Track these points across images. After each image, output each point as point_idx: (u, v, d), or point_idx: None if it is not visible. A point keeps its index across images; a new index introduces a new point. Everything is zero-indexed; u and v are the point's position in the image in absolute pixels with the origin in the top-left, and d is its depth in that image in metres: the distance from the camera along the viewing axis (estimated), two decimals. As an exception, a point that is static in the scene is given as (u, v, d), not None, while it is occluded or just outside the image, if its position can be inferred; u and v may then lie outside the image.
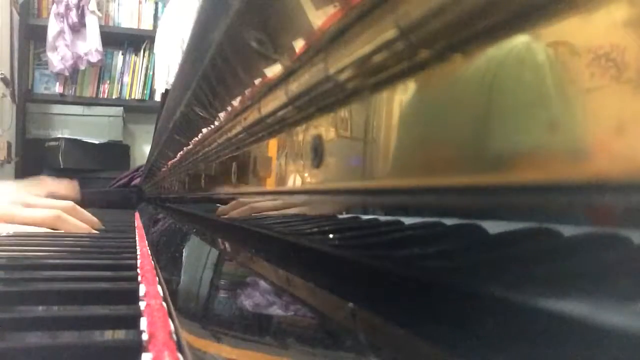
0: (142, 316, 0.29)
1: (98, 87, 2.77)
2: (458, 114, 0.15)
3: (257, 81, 0.30)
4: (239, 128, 0.38)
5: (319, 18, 0.20)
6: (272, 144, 0.32)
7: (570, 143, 0.11)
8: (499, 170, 0.13)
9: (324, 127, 0.23)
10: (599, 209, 0.10)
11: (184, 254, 0.55)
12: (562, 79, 0.11)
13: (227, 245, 0.44)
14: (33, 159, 2.58)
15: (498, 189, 0.13)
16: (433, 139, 0.16)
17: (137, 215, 1.38)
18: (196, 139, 0.57)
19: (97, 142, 2.64)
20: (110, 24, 2.76)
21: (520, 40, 0.12)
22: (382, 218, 0.20)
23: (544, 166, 0.11)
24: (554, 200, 0.12)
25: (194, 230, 0.63)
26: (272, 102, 0.29)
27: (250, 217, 0.40)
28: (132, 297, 0.35)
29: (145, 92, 2.79)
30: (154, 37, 2.56)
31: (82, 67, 2.65)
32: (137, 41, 2.78)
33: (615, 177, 0.10)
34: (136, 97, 2.78)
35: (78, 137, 2.62)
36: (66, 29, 2.57)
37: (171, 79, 2.00)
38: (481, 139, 0.13)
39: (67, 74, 2.64)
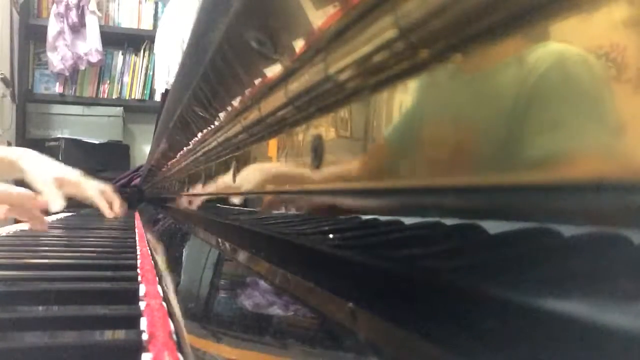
0: (142, 316, 0.29)
1: (98, 87, 2.77)
2: (457, 113, 0.15)
3: (257, 81, 0.30)
4: (239, 128, 0.38)
5: (319, 18, 0.20)
6: (272, 144, 0.32)
7: (570, 143, 0.11)
8: (499, 170, 0.13)
9: (324, 127, 0.23)
10: (600, 208, 0.10)
11: (184, 254, 0.55)
12: (568, 77, 0.11)
13: (227, 245, 0.44)
14: (33, 159, 2.58)
15: (498, 189, 0.13)
16: (433, 138, 0.16)
17: (137, 215, 1.38)
18: (196, 139, 0.57)
19: (97, 142, 2.64)
20: (110, 24, 2.76)
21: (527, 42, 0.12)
22: (382, 218, 0.20)
23: (544, 166, 0.11)
24: (555, 200, 0.12)
25: (194, 230, 0.63)
26: (272, 102, 0.29)
27: (250, 217, 0.40)
28: (132, 297, 0.35)
29: (145, 92, 2.78)
30: (154, 37, 2.56)
31: (82, 67, 2.65)
32: (137, 41, 2.78)
33: (616, 177, 0.10)
34: (136, 97, 2.78)
35: (78, 137, 2.62)
36: (66, 29, 2.57)
37: (171, 79, 2.00)
38: (481, 138, 0.13)
39: (67, 74, 2.63)
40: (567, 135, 0.11)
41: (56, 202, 1.07)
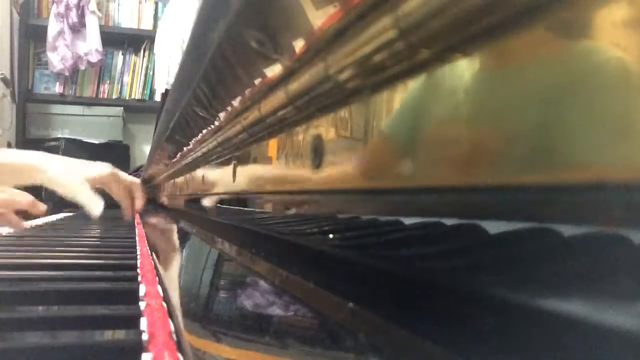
0: (142, 316, 0.29)
1: (98, 87, 2.77)
2: (457, 113, 0.15)
3: (257, 81, 0.30)
4: (238, 128, 0.38)
5: (319, 18, 0.20)
6: (272, 144, 0.32)
7: (569, 142, 0.11)
8: (497, 170, 0.13)
9: (324, 127, 0.23)
10: (601, 209, 0.10)
11: (183, 254, 0.55)
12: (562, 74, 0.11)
13: (227, 245, 0.44)
14: (33, 159, 2.58)
15: (498, 188, 0.13)
16: (432, 138, 0.16)
17: (137, 215, 1.38)
18: (196, 138, 0.57)
19: (97, 142, 2.64)
20: (110, 24, 2.76)
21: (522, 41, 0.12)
22: (382, 218, 0.20)
23: (543, 166, 0.11)
24: (555, 200, 0.12)
25: (194, 230, 0.63)
26: (272, 102, 0.29)
27: (250, 217, 0.40)
28: (132, 297, 0.35)
29: (145, 92, 2.79)
30: (154, 37, 2.56)
31: (82, 67, 2.65)
32: (137, 41, 2.78)
33: (616, 177, 0.10)
34: (136, 97, 2.78)
35: (78, 137, 2.62)
36: (66, 29, 2.57)
37: (171, 79, 2.00)
38: (480, 138, 0.13)
39: (67, 74, 2.64)
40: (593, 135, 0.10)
41: (96, 208, 1.04)
